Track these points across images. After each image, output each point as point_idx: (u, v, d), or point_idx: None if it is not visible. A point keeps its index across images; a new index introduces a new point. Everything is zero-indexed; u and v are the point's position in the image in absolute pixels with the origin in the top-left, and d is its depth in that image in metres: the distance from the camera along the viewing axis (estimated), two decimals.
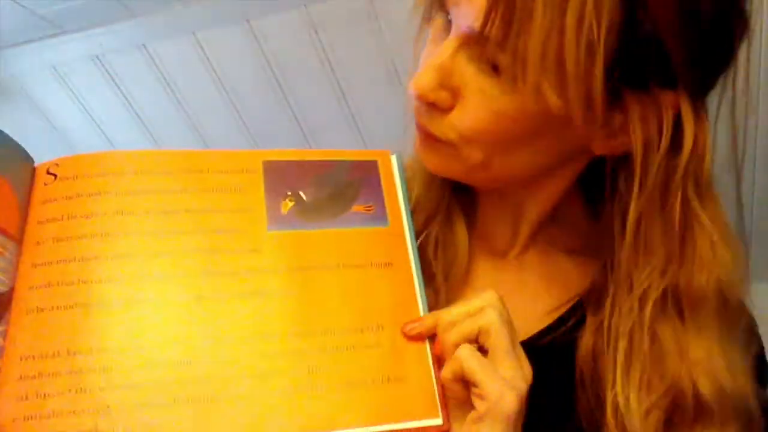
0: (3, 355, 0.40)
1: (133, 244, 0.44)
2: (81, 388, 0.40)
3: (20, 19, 1.41)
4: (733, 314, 0.49)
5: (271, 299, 0.44)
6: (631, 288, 0.48)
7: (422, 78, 0.44)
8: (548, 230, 0.57)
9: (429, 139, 0.48)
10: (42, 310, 0.42)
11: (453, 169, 0.49)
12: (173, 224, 0.45)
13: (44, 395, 0.40)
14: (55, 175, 0.46)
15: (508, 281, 0.56)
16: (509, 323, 0.43)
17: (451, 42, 0.44)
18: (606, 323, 0.49)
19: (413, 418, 0.42)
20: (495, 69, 0.42)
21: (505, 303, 0.43)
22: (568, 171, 0.52)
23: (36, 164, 0.46)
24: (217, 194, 0.46)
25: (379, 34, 1.41)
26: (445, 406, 0.43)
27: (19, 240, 0.44)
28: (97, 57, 1.54)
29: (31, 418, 0.39)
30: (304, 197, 0.47)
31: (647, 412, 0.46)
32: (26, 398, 0.39)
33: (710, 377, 0.46)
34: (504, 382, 0.41)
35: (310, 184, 0.48)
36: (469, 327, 0.42)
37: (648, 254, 0.47)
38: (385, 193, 0.49)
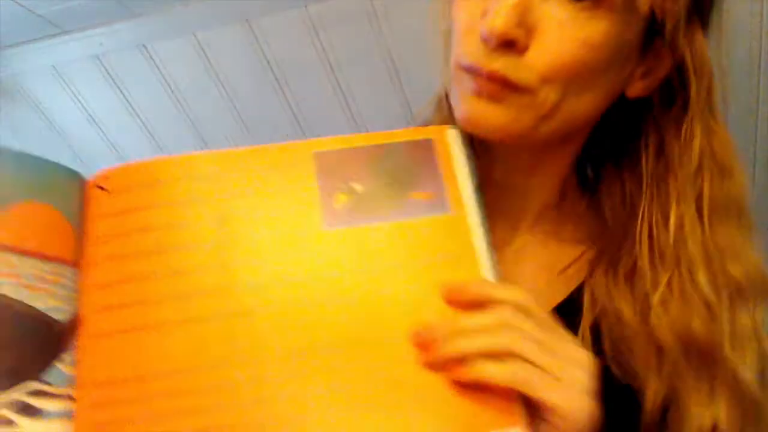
0: (77, 383, 0.39)
1: (188, 258, 0.42)
2: (155, 414, 0.38)
3: (20, 19, 1.41)
4: (748, 222, 0.52)
5: (333, 306, 0.41)
6: (665, 197, 0.50)
7: (499, 17, 0.41)
8: (546, 220, 0.57)
9: (503, 89, 0.44)
10: (106, 334, 0.40)
11: (522, 121, 0.45)
12: (226, 234, 0.42)
13: (120, 421, 0.39)
14: (105, 189, 0.44)
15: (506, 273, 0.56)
16: (535, 317, 0.39)
17: None
18: (639, 237, 0.50)
19: (495, 427, 0.38)
20: None
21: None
22: (583, 135, 0.54)
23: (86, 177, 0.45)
24: (269, 195, 0.44)
25: (379, 34, 1.41)
26: (521, 411, 0.39)
27: (77, 263, 0.41)
28: (97, 57, 1.54)
29: None
30: (358, 189, 0.44)
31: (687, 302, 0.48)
32: (102, 426, 0.39)
33: (739, 261, 0.50)
34: (568, 388, 0.38)
35: (363, 173, 0.44)
36: (485, 342, 0.38)
37: (681, 167, 0.50)
38: (444, 176, 0.44)
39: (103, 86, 1.60)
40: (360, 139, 0.46)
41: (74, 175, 0.44)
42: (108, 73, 1.57)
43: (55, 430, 0.37)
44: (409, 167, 0.44)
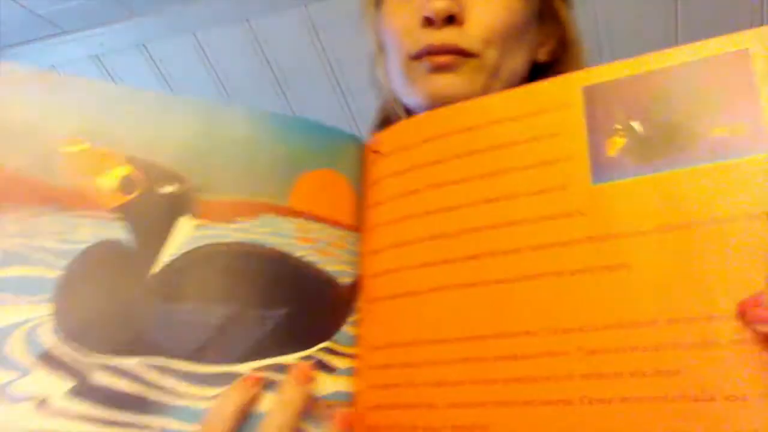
0: (358, 344, 0.40)
1: (459, 219, 0.38)
2: (441, 381, 0.36)
3: (20, 19, 1.41)
4: None
5: (611, 276, 0.33)
6: None
7: (438, 0, 0.48)
8: None
9: (456, 58, 0.49)
10: (382, 298, 0.40)
11: (476, 83, 0.50)
12: (496, 189, 0.38)
13: (404, 385, 0.37)
14: (380, 152, 0.43)
15: None
16: None
17: None
18: None
19: None
20: None
21: None
22: None
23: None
24: (533, 144, 0.38)
25: None
26: None
27: (358, 228, 0.42)
28: (97, 57, 1.53)
29: (392, 407, 0.37)
30: (638, 128, 0.35)
31: None
32: (386, 388, 0.38)
33: None
34: None
35: (646, 107, 0.35)
36: None
37: None
38: (764, 102, 0.32)
39: None
40: (642, 64, 0.36)
41: (356, 141, 0.44)
42: (108, 73, 1.57)
43: (344, 386, 0.39)
44: (710, 94, 0.34)
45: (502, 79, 0.51)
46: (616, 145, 0.35)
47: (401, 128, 0.43)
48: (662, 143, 0.34)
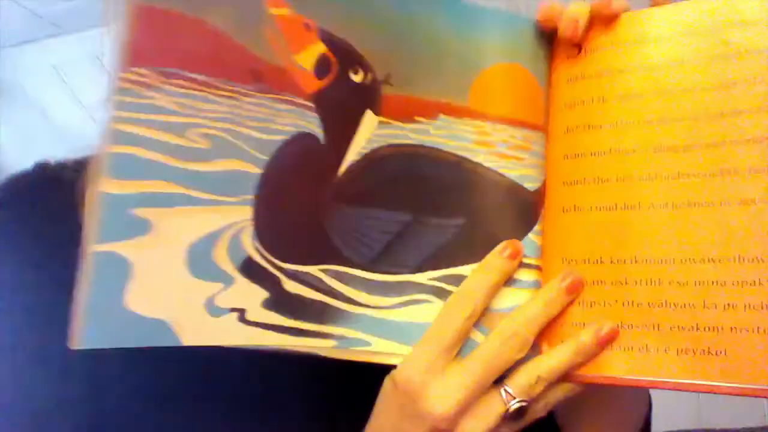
0: (542, 255, 0.37)
1: (670, 132, 0.35)
2: (628, 301, 0.35)
3: (20, 19, 1.41)
4: None
5: None
6: None
7: None
8: None
9: None
10: (580, 209, 0.37)
11: None
12: (724, 104, 0.34)
13: (590, 303, 0.36)
14: (580, 48, 0.38)
15: None
16: None
17: None
18: None
19: None
20: None
21: None
22: None
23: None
24: (749, 57, 0.34)
25: None
26: None
27: (545, 128, 0.38)
28: (97, 57, 1.53)
29: (576, 325, 0.36)
30: None
31: None
32: (570, 303, 0.36)
33: None
34: None
35: None
36: None
37: None
38: None
39: (104, 86, 1.60)
40: None
41: (542, 32, 0.39)
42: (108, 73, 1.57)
43: (524, 300, 0.36)
44: None
45: None
46: None
47: (603, 30, 0.38)
48: None
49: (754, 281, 0.33)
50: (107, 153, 0.31)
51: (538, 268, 0.37)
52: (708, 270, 0.34)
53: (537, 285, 0.37)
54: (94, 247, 0.30)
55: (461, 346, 0.34)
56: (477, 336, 0.35)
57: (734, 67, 0.34)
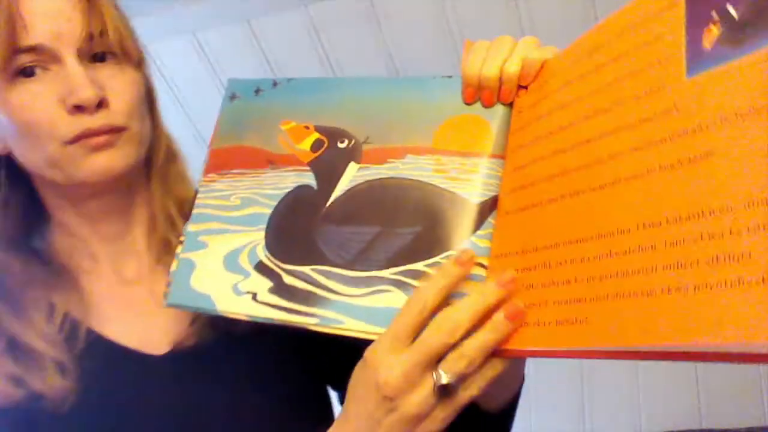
0: (489, 255, 0.46)
1: (574, 133, 0.43)
2: (532, 284, 0.42)
3: None
4: None
5: (695, 167, 0.33)
6: None
7: (88, 89, 0.53)
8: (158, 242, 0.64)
9: (111, 135, 0.55)
10: (514, 211, 0.46)
11: (131, 153, 0.57)
12: (606, 100, 0.41)
13: (521, 288, 0.43)
14: (526, 88, 0.48)
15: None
16: None
17: (72, 59, 0.54)
18: None
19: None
20: (103, 58, 0.57)
21: None
22: None
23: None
24: (638, 51, 0.39)
25: (379, 34, 1.41)
26: None
27: (501, 155, 0.49)
28: None
29: (529, 306, 0.42)
30: (734, 14, 0.34)
31: None
32: (522, 290, 0.43)
33: None
34: None
35: None
36: None
37: None
38: None
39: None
40: None
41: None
42: None
43: (470, 290, 0.44)
44: None
45: (144, 143, 0.60)
46: (711, 36, 0.35)
47: (543, 67, 0.48)
48: (756, 22, 0.33)
49: (611, 252, 0.38)
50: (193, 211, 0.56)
51: (480, 264, 0.46)
52: (588, 248, 0.39)
53: (479, 279, 0.45)
54: (181, 255, 0.55)
55: (417, 333, 0.43)
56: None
57: (610, 72, 0.42)
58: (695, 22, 0.36)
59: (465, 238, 0.46)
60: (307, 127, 0.54)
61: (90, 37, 0.56)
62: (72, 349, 0.55)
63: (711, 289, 0.31)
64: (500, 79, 0.48)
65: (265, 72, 1.52)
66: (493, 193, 0.48)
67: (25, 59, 0.54)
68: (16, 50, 0.53)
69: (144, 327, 0.59)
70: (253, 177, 0.55)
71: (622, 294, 0.36)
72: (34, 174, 0.59)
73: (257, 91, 0.58)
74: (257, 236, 0.52)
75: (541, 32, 1.35)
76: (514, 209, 0.46)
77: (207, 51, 1.51)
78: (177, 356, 0.57)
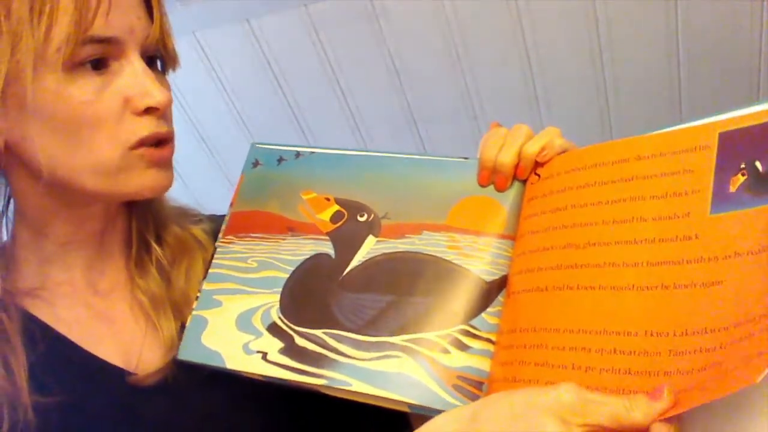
0: (498, 331, 0.48)
1: (591, 233, 0.46)
2: (549, 363, 0.44)
3: None
4: None
5: (705, 291, 0.38)
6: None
7: (161, 92, 0.52)
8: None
9: (169, 150, 0.53)
10: (522, 291, 0.48)
11: (171, 174, 0.55)
12: (627, 212, 0.44)
13: (519, 363, 0.45)
14: (539, 176, 0.52)
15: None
16: None
17: (138, 57, 0.51)
18: None
19: None
20: (152, 62, 0.54)
21: None
22: None
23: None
24: (668, 177, 0.43)
25: (379, 34, 1.41)
26: None
27: (512, 237, 0.51)
28: None
29: (512, 381, 0.45)
30: (760, 167, 0.39)
31: None
32: (509, 364, 0.46)
33: None
34: None
35: None
36: None
37: None
38: None
39: None
40: None
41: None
42: None
43: (476, 363, 0.47)
44: None
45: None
46: (737, 182, 0.40)
47: (560, 159, 0.50)
48: None
49: (615, 349, 0.41)
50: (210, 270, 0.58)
51: (488, 340, 0.48)
52: (592, 340, 0.42)
53: (487, 353, 0.47)
54: (195, 312, 0.56)
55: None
56: (437, 388, 0.47)
57: (637, 187, 0.46)
58: (725, 167, 0.41)
59: (477, 314, 0.49)
60: (327, 199, 0.56)
61: (152, 37, 0.53)
62: (35, 352, 0.50)
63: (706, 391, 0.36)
64: (518, 157, 0.50)
65: (265, 72, 1.52)
66: (503, 273, 0.50)
67: (94, 50, 0.48)
68: (89, 39, 0.47)
69: (117, 340, 0.57)
70: (272, 242, 0.56)
71: (623, 390, 0.39)
72: (40, 175, 0.50)
73: (280, 161, 0.60)
74: (272, 299, 0.54)
75: (541, 32, 1.35)
76: (519, 290, 0.48)
77: (207, 51, 1.51)
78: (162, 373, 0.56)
